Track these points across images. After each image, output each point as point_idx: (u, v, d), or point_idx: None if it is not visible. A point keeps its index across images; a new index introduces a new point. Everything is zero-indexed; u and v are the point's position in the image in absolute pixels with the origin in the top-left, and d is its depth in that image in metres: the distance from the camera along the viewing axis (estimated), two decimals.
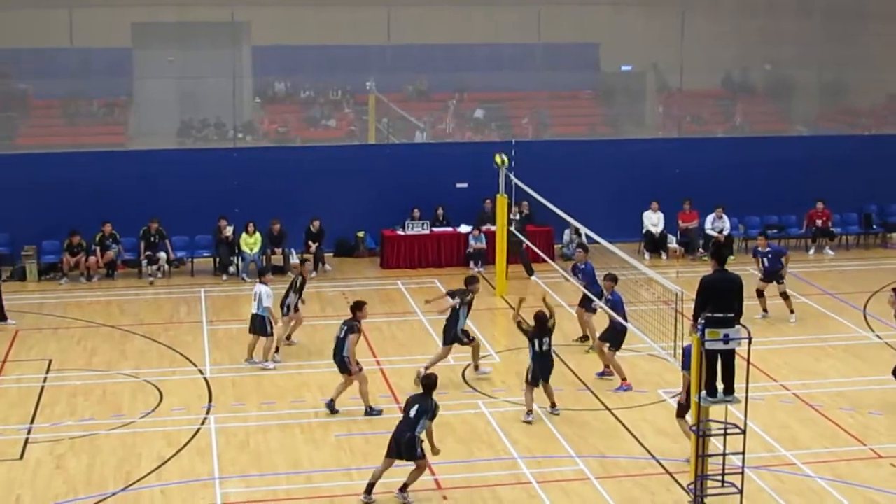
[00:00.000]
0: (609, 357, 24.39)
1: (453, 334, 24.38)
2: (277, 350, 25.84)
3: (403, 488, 19.08)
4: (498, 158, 30.61)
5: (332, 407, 22.77)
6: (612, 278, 24.52)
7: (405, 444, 18.89)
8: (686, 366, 19.26)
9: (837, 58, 40.41)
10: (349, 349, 22.41)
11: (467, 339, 24.57)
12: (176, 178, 33.61)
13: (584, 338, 26.94)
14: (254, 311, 25.25)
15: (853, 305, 30.17)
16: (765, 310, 29.22)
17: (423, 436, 19.04)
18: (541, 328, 22.38)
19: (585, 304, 26.53)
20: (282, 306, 26.27)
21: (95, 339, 27.55)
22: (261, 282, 25.47)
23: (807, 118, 41.80)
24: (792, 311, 29.06)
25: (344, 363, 22.61)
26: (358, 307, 22.89)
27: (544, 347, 22.30)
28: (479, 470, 20.28)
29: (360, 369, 22.73)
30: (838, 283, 32.55)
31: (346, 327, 22.67)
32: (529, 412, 22.27)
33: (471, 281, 25.04)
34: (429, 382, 19.55)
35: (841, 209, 36.73)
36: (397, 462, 18.96)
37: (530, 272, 32.72)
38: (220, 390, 23.96)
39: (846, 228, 37.14)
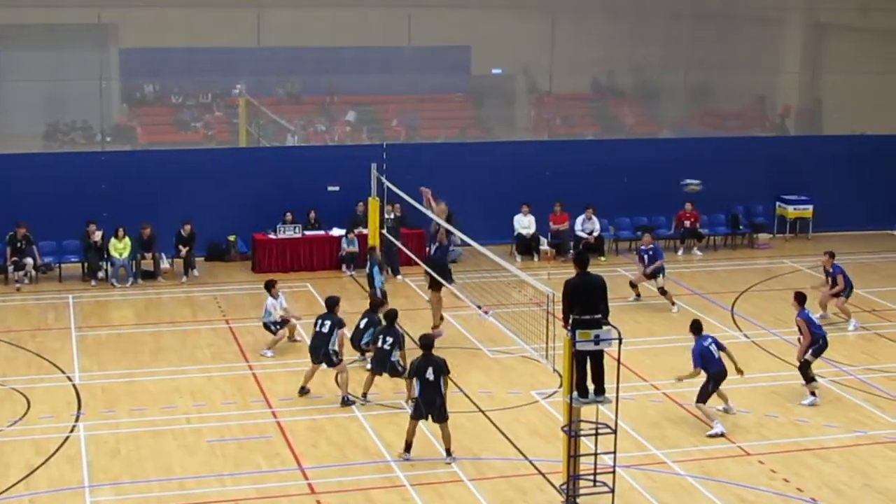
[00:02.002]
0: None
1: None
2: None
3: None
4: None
5: (347, 400, 23.40)
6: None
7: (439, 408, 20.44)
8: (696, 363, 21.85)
9: (704, 60, 40.97)
10: (337, 343, 23.33)
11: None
12: (42, 182, 33.04)
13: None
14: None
15: (721, 305, 30.63)
16: (637, 295, 30.66)
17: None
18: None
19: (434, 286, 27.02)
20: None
21: None
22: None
23: (675, 120, 42.34)
24: (673, 304, 29.71)
25: (329, 357, 23.34)
26: (335, 302, 23.99)
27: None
28: (353, 473, 20.24)
29: (341, 360, 23.49)
30: (706, 283, 33.03)
31: (328, 322, 23.42)
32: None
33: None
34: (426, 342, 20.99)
35: (709, 210, 37.27)
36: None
37: (396, 272, 32.78)
38: (90, 397, 23.62)
39: (714, 229, 37.69)
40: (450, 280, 26.65)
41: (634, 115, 42.42)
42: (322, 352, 23.37)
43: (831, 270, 28.89)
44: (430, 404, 20.44)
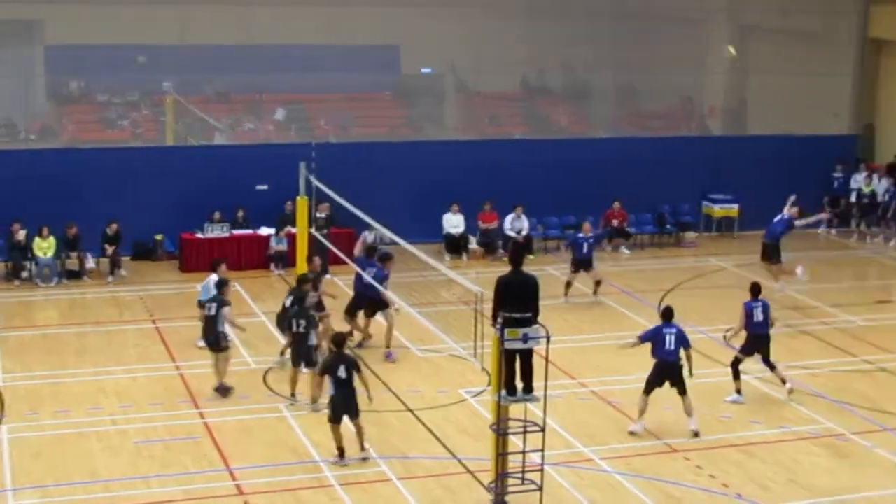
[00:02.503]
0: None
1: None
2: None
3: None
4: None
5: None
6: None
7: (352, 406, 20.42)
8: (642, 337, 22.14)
9: (632, 61, 41.24)
10: (225, 322, 23.39)
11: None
12: None
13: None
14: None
15: (648, 303, 30.81)
16: (567, 295, 30.66)
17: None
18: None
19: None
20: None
21: None
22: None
23: (603, 120, 42.56)
24: (596, 294, 30.34)
25: (217, 340, 23.33)
26: (224, 283, 24.11)
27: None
28: (281, 474, 20.17)
29: (228, 346, 23.59)
30: (634, 281, 33.24)
31: (215, 304, 23.43)
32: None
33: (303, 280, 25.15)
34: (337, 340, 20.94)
35: (636, 209, 37.52)
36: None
37: (325, 271, 32.68)
38: (13, 399, 23.34)
39: (641, 228, 37.94)
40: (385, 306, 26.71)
41: (563, 114, 42.59)
42: (211, 336, 23.42)
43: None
44: (345, 402, 20.41)
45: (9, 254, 32.37)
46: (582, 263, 30.88)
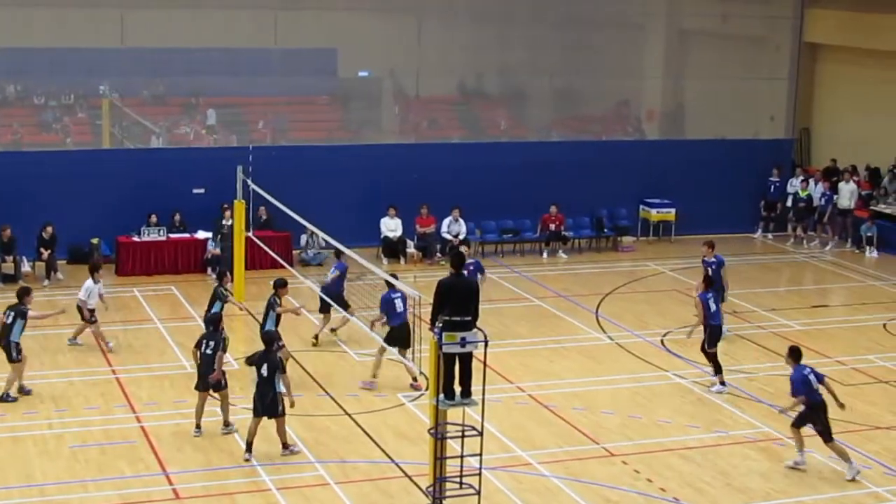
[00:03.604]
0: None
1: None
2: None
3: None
4: None
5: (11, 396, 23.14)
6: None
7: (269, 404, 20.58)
8: (796, 391, 20.64)
9: (569, 65, 41.33)
10: (16, 335, 23.22)
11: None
12: None
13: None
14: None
15: (586, 307, 30.95)
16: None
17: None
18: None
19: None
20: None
21: None
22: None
23: (540, 124, 42.62)
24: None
25: (9, 349, 23.18)
26: (26, 292, 23.85)
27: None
28: (219, 478, 20.09)
29: (21, 358, 23.32)
30: (571, 285, 33.35)
31: (13, 313, 23.33)
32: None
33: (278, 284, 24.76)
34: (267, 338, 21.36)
35: (574, 213, 37.62)
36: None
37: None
38: None
39: (579, 232, 38.03)
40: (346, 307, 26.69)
41: (501, 118, 42.63)
42: (3, 342, 23.22)
43: (713, 260, 27.81)
44: (262, 399, 20.64)
45: None
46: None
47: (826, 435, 20.70)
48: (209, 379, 21.58)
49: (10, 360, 23.27)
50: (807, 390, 20.64)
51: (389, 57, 40.19)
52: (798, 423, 20.88)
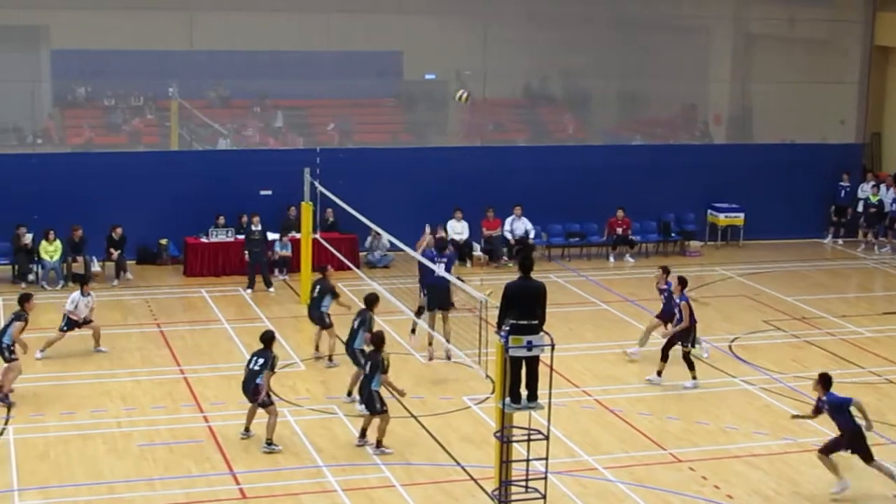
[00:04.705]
0: None
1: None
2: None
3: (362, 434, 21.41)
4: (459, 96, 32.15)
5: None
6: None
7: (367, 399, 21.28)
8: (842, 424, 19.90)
9: (635, 69, 41.17)
10: (14, 335, 23.30)
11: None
12: None
13: None
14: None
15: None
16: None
17: None
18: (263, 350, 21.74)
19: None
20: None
21: None
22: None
23: (606, 127, 42.52)
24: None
25: (2, 351, 23.29)
26: (26, 299, 23.96)
27: (253, 368, 21.52)
28: (284, 478, 20.18)
29: (16, 358, 23.36)
30: (638, 290, 33.16)
31: (13, 316, 23.55)
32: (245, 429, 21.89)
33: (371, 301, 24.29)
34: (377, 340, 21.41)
35: (640, 217, 37.48)
36: None
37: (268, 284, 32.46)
38: (20, 400, 23.33)
39: (645, 236, 37.89)
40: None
41: (566, 121, 42.55)
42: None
43: (665, 287, 26.46)
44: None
45: (15, 257, 32.43)
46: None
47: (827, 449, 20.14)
48: (255, 398, 21.39)
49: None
50: (843, 418, 19.95)
51: (455, 59, 40.21)
52: (826, 451, 20.17)
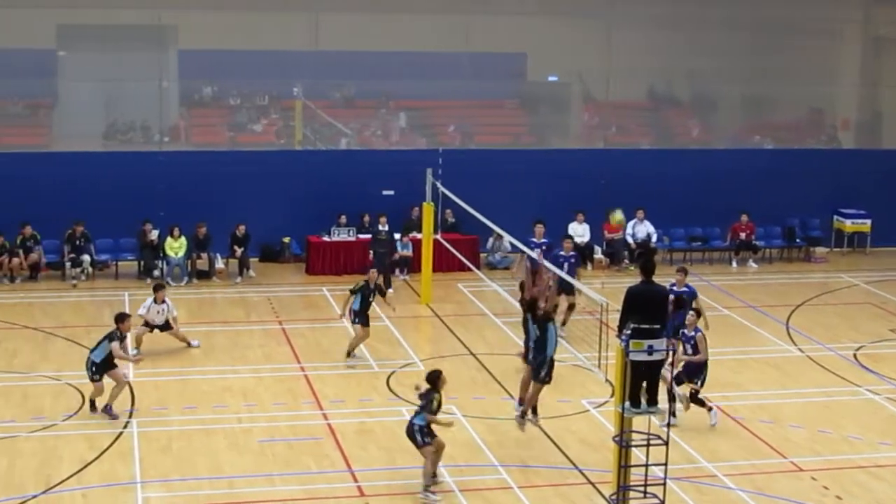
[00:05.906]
0: None
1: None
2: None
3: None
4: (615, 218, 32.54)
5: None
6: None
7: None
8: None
9: (761, 72, 40.79)
10: (116, 354, 22.64)
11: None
12: (100, 181, 33.29)
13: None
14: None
15: (775, 318, 30.42)
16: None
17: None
18: None
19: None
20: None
21: (17, 340, 27.23)
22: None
23: (731, 131, 42.15)
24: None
25: (88, 369, 22.76)
26: (121, 319, 23.04)
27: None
28: (402, 477, 20.22)
29: (98, 379, 22.68)
30: (761, 295, 32.81)
31: (106, 336, 22.81)
32: None
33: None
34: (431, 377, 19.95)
35: (764, 222, 37.05)
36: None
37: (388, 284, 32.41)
38: (143, 394, 23.73)
39: (769, 242, 37.43)
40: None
41: (690, 124, 42.26)
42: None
43: (685, 290, 24.74)
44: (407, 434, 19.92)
45: (141, 253, 32.96)
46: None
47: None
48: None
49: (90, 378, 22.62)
50: None
51: (579, 61, 40.15)
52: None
